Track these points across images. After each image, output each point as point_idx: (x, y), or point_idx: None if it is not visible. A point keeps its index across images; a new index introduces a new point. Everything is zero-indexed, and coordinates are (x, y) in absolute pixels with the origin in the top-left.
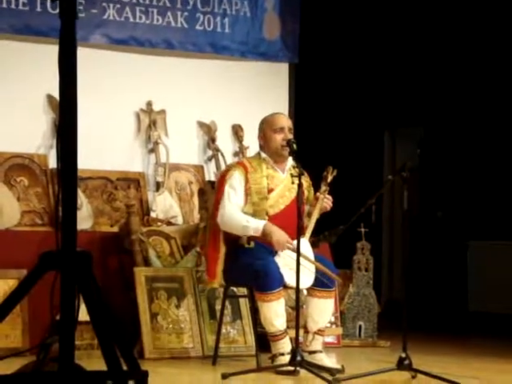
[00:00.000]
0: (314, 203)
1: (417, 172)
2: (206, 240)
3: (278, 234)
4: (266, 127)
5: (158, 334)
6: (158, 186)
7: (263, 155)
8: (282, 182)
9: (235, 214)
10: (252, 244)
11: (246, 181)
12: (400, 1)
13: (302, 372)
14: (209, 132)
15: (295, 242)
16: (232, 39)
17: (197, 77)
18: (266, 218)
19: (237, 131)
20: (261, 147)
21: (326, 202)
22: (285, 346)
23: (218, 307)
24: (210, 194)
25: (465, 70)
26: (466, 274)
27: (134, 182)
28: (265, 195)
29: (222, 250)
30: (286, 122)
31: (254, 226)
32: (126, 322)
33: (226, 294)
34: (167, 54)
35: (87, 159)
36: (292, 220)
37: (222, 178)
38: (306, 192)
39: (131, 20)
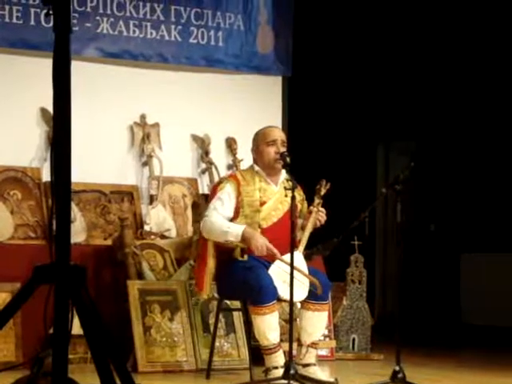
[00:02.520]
0: (307, 216)
1: (410, 184)
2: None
3: (258, 239)
4: (259, 140)
5: (152, 347)
6: (152, 199)
7: (256, 168)
8: (275, 195)
9: (217, 220)
10: (246, 257)
11: (238, 193)
12: (393, 15)
13: None
14: (202, 145)
15: (288, 255)
16: (226, 53)
17: (190, 90)
18: (259, 230)
19: (230, 144)
20: (254, 160)
21: (320, 215)
22: (278, 359)
23: (211, 320)
24: (204, 207)
25: (457, 84)
26: (459, 287)
27: (127, 195)
28: (257, 208)
29: (210, 261)
30: (278, 135)
31: (234, 231)
32: (119, 335)
33: (219, 308)
34: (161, 67)
35: (81, 172)
36: (285, 233)
37: (214, 190)
38: (299, 205)
39: (125, 34)
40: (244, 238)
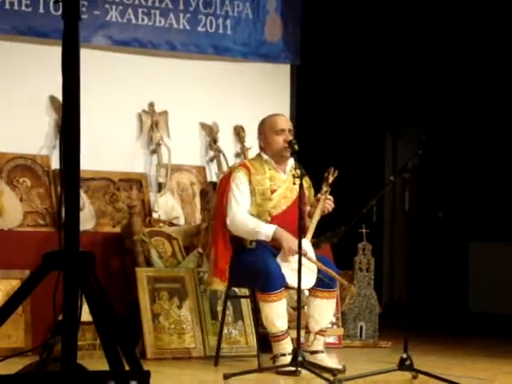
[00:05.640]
0: (314, 204)
1: (418, 172)
2: (209, 241)
3: (289, 240)
4: (267, 129)
5: (160, 334)
6: (160, 186)
7: (265, 156)
8: (284, 183)
9: (246, 218)
10: (254, 244)
11: (250, 182)
12: (401, 3)
13: (304, 372)
14: (211, 133)
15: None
16: (234, 41)
17: (199, 78)
18: (269, 218)
19: (239, 132)
20: (261, 148)
21: (328, 202)
22: (286, 346)
23: (219, 308)
24: (212, 195)
25: (465, 70)
26: (467, 275)
27: (136, 182)
28: (268, 196)
29: (230, 250)
30: (286, 124)
31: (265, 231)
32: (128, 322)
33: (227, 295)
34: (169, 55)
35: (89, 160)
36: (293, 220)
37: (226, 180)
38: (306, 192)
39: (133, 22)
40: (275, 239)
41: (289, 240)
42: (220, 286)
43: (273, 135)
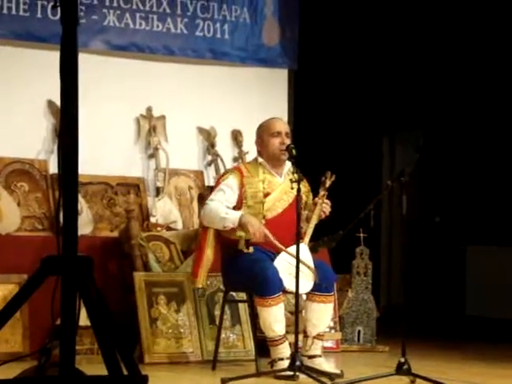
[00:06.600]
0: (312, 208)
1: (415, 176)
2: None
3: (255, 225)
4: (263, 132)
5: (158, 338)
6: (158, 191)
7: (260, 160)
8: (279, 186)
9: (215, 207)
10: (251, 249)
11: (242, 185)
12: (398, 6)
13: (301, 377)
14: (208, 137)
15: (293, 247)
16: (231, 45)
17: (196, 83)
18: (264, 221)
19: (236, 137)
20: (258, 152)
21: (325, 206)
22: (284, 350)
23: (217, 312)
24: None
25: (462, 72)
26: (464, 279)
27: (133, 187)
28: (260, 199)
29: (208, 251)
30: (283, 127)
31: (232, 217)
32: (126, 326)
33: (225, 299)
34: (167, 60)
35: (87, 164)
36: (290, 224)
37: (218, 181)
38: (304, 197)
39: (131, 26)
40: (241, 224)
41: (255, 225)
42: (196, 283)
43: (269, 138)
